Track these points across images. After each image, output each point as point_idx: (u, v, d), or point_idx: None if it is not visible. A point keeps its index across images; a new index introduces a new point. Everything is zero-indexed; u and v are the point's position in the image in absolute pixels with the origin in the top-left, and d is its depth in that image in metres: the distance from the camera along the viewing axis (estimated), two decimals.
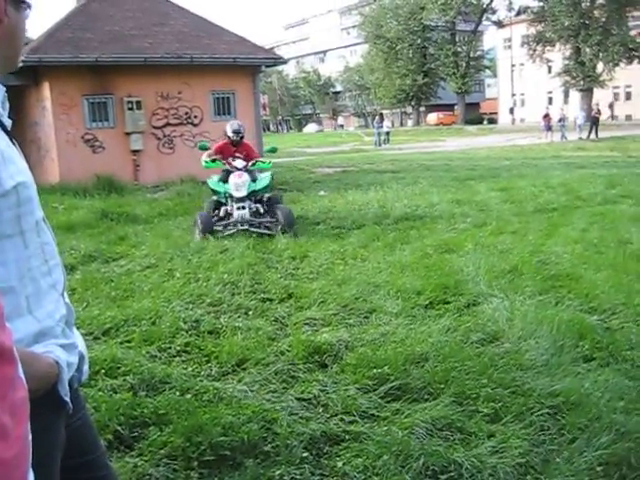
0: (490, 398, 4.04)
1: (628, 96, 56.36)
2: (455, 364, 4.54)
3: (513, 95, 64.94)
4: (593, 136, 34.60)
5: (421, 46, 66.80)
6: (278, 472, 3.30)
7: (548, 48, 51.59)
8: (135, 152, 17.47)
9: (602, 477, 3.22)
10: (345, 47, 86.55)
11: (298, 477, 3.28)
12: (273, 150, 11.33)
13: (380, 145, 39.05)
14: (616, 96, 56.04)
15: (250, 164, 10.35)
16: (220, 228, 9.87)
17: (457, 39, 66.73)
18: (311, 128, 77.15)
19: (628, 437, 3.52)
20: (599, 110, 36.61)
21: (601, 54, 47.82)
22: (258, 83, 20.28)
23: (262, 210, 10.17)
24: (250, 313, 6.12)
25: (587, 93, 49.31)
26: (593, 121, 35.32)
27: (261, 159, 10.70)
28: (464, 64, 65.02)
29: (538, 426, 3.70)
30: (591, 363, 4.61)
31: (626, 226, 9.55)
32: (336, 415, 3.94)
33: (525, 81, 63.84)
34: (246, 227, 9.77)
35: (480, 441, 3.56)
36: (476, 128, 56.15)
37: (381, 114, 46.18)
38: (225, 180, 10.21)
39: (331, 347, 5.04)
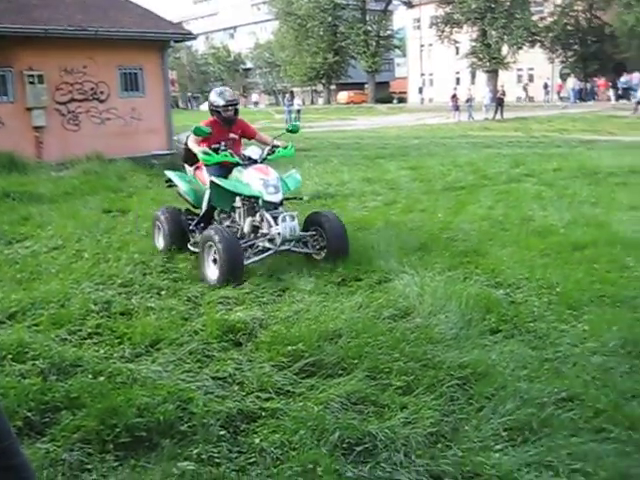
0: (402, 371, 4.17)
1: (531, 78, 58.28)
2: (368, 339, 4.66)
3: (422, 75, 66.03)
4: (499, 116, 35.67)
5: (332, 24, 66.91)
6: (195, 451, 3.31)
7: (456, 30, 52.70)
8: (37, 128, 16.74)
9: (507, 441, 3.40)
10: (255, 23, 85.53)
11: (216, 455, 3.30)
12: (295, 129, 7.56)
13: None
14: (520, 78, 57.82)
15: (266, 152, 7.12)
16: (248, 250, 6.73)
17: (367, 18, 67.19)
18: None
19: (530, 403, 3.72)
20: (504, 91, 37.75)
21: (506, 37, 49.26)
22: (167, 59, 19.80)
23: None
24: (163, 293, 6.06)
25: (493, 75, 50.77)
26: (498, 102, 36.39)
27: (278, 144, 7.25)
28: (374, 43, 65.62)
29: (448, 397, 3.86)
30: (497, 335, 4.83)
31: (529, 204, 9.98)
32: (252, 393, 3.98)
33: (434, 61, 64.94)
34: (287, 247, 6.75)
35: (393, 413, 3.67)
36: (386, 107, 56.84)
37: (292, 92, 46.05)
38: (223, 176, 6.91)
39: (245, 325, 5.07)
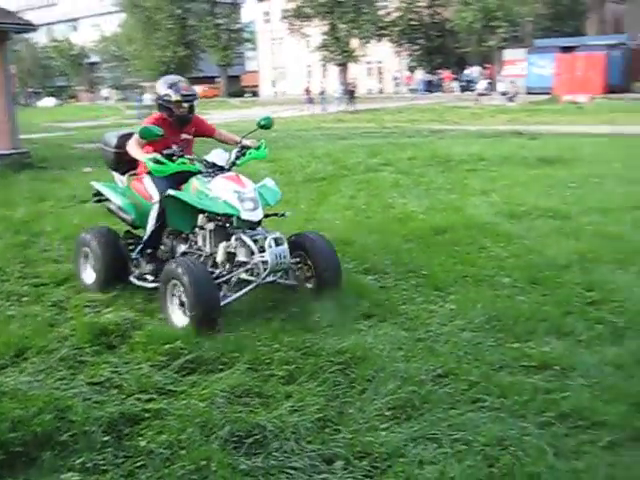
0: (284, 361, 4.21)
1: (380, 71, 60.16)
2: (246, 332, 4.65)
3: (275, 68, 66.39)
4: (351, 108, 36.60)
5: (181, 17, 65.60)
6: (79, 460, 3.17)
7: (306, 23, 53.33)
8: None
9: (392, 420, 3.53)
10: (99, 15, 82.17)
11: (101, 462, 3.17)
12: (268, 124, 5.99)
13: (142, 118, 38.04)
14: (369, 71, 59.54)
15: (234, 156, 5.69)
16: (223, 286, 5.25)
17: (217, 11, 66.53)
18: (48, 102, 71.82)
19: (409, 382, 3.88)
20: (355, 84, 38.81)
21: (355, 31, 50.48)
22: (7, 52, 18.62)
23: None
24: (24, 299, 5.75)
25: (343, 68, 51.94)
26: (349, 94, 37.36)
27: (247, 143, 5.83)
28: (225, 36, 65.13)
29: (331, 382, 3.94)
30: (371, 319, 4.99)
31: (389, 192, 10.33)
32: (132, 395, 3.87)
33: (285, 55, 65.49)
34: (273, 279, 5.34)
35: (279, 403, 3.71)
36: (239, 101, 56.70)
37: (141, 86, 44.80)
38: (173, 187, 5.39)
39: (117, 327, 4.93)
